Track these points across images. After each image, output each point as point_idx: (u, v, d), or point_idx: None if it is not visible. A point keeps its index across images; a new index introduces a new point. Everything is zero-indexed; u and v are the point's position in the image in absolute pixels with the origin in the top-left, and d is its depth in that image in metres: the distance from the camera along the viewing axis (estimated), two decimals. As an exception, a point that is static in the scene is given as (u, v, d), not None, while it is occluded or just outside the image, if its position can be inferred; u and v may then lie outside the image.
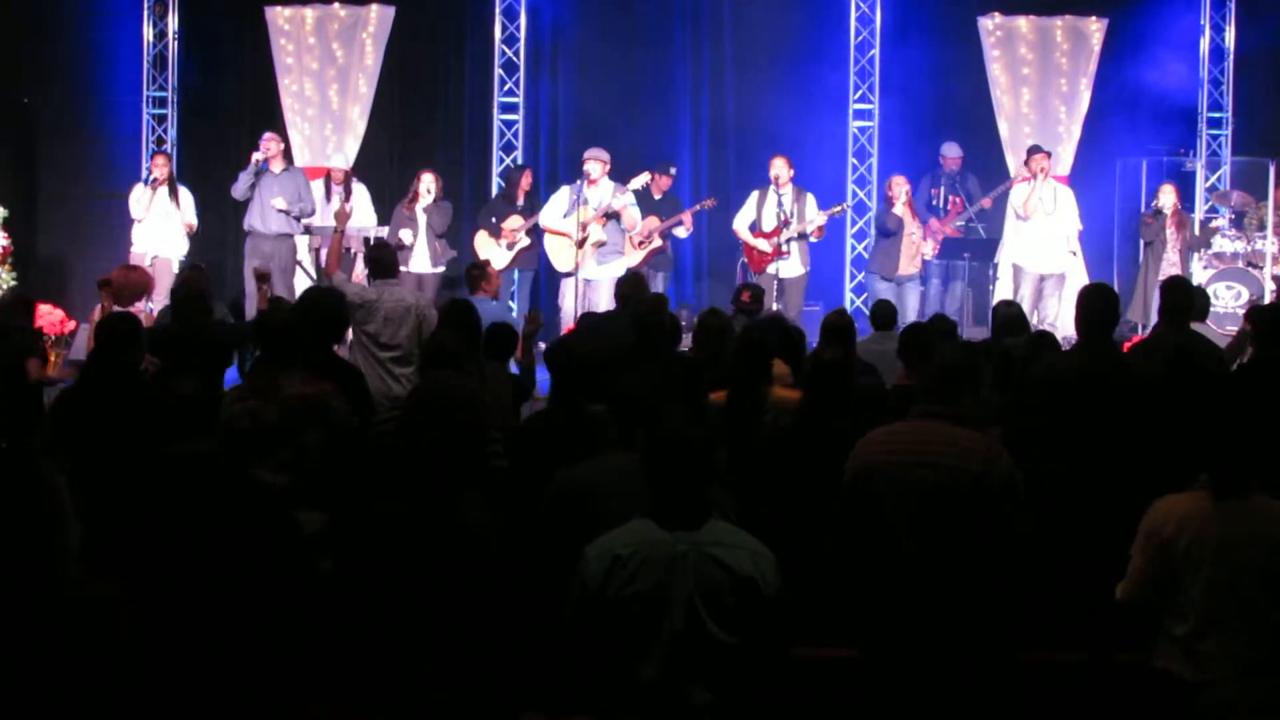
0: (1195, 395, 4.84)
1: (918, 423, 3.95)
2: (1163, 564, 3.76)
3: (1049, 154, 11.24)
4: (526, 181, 11.47)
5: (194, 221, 11.46)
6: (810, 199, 10.78)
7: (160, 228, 11.10)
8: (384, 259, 7.36)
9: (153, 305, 10.86)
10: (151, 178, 11.11)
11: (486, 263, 8.85)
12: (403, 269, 10.44)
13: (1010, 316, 7.34)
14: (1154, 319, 9.44)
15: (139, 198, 11.05)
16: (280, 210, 10.68)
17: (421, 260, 10.95)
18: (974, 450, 3.85)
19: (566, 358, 5.21)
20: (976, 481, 3.80)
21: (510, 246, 11.01)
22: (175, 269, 11.03)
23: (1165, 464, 4.56)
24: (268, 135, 11.07)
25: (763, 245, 10.71)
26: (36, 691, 2.76)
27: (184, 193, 11.42)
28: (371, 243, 11.14)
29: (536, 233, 11.12)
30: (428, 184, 10.91)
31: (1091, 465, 4.70)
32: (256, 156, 10.82)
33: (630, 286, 8.04)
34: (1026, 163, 11.18)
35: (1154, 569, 3.78)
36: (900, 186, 11.13)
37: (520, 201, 11.31)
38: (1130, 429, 4.97)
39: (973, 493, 3.80)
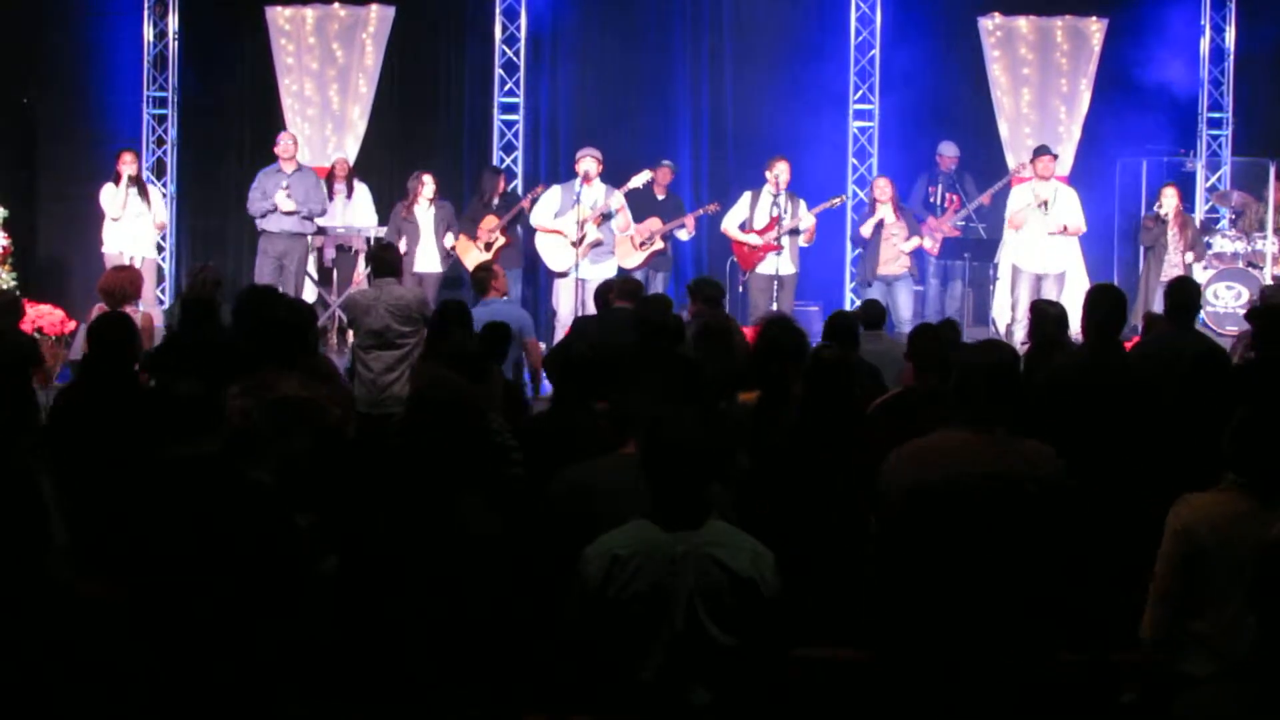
0: (1222, 397, 4.80)
1: (963, 434, 3.84)
2: (1191, 564, 3.69)
3: (1055, 156, 11.22)
4: (501, 185, 11.47)
5: (164, 220, 11.47)
6: (802, 204, 10.80)
7: (132, 226, 11.07)
8: (385, 258, 7.36)
9: (156, 305, 10.90)
10: (120, 175, 11.00)
11: (492, 263, 8.81)
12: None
13: (1059, 316, 7.19)
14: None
15: (112, 197, 11.00)
16: (287, 212, 10.68)
17: (427, 260, 10.97)
18: (1029, 456, 3.81)
19: (567, 357, 5.21)
20: (1049, 490, 3.76)
21: (488, 247, 10.98)
22: (140, 266, 11.03)
23: (1172, 465, 4.55)
24: (285, 133, 11.09)
25: (753, 240, 10.71)
26: (27, 692, 2.76)
27: (153, 190, 11.43)
28: (372, 243, 11.19)
29: (514, 230, 11.12)
30: (430, 187, 10.93)
31: (1096, 467, 4.69)
32: (276, 202, 10.69)
33: (623, 287, 7.99)
34: (1032, 162, 11.18)
35: (1181, 570, 3.71)
36: (883, 189, 11.12)
37: (496, 202, 11.32)
38: (1135, 430, 4.96)
39: (1046, 501, 3.75)
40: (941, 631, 3.74)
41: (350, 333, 7.50)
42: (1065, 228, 10.93)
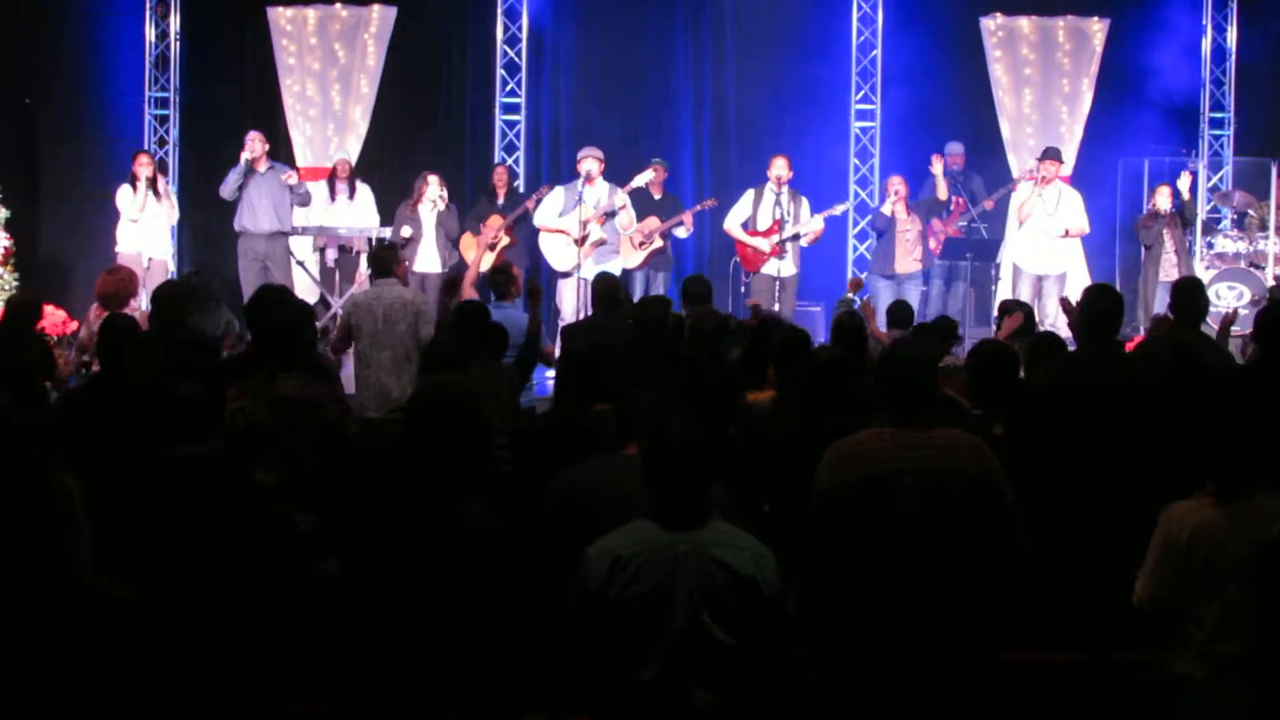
0: (1197, 396, 4.81)
1: (887, 430, 3.84)
2: (1180, 571, 3.72)
3: (1061, 161, 11.21)
4: (503, 178, 11.45)
5: (176, 215, 11.54)
6: (805, 203, 10.77)
7: (151, 227, 11.09)
8: (383, 258, 7.38)
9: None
10: (136, 177, 11.01)
11: (510, 265, 8.79)
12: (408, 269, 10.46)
13: (1028, 314, 7.21)
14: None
15: (130, 199, 11.00)
16: (290, 185, 10.69)
17: (428, 261, 10.98)
18: (960, 449, 3.80)
19: (570, 359, 5.22)
20: (971, 481, 3.76)
21: (492, 247, 11.00)
22: (171, 267, 11.06)
23: (1168, 466, 4.55)
24: (252, 134, 11.06)
25: (760, 244, 10.68)
26: (53, 692, 2.77)
27: (169, 189, 11.45)
28: (374, 243, 11.21)
29: (520, 230, 11.13)
30: (435, 188, 10.93)
31: (1094, 467, 4.69)
32: (245, 156, 10.82)
33: (609, 287, 7.92)
34: (1039, 162, 11.17)
35: (1172, 574, 3.73)
36: (894, 185, 11.12)
37: (500, 200, 11.31)
38: (1134, 431, 4.96)
39: (969, 492, 3.75)
40: (873, 628, 3.75)
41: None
42: (1067, 231, 10.94)
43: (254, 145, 10.88)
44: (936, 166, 11.61)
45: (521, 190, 11.99)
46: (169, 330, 6.30)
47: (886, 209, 11.09)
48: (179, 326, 6.41)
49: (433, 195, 10.95)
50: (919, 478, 3.74)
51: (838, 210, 11.01)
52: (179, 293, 6.86)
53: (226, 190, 10.88)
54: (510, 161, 12.55)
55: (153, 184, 11.08)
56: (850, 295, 8.16)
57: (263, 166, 10.88)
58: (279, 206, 10.84)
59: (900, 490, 3.74)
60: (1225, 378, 5.50)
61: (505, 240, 11.06)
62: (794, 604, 3.86)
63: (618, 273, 10.59)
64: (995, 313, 7.87)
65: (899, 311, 8.07)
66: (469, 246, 11.10)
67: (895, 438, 3.81)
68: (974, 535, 3.76)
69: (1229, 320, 7.35)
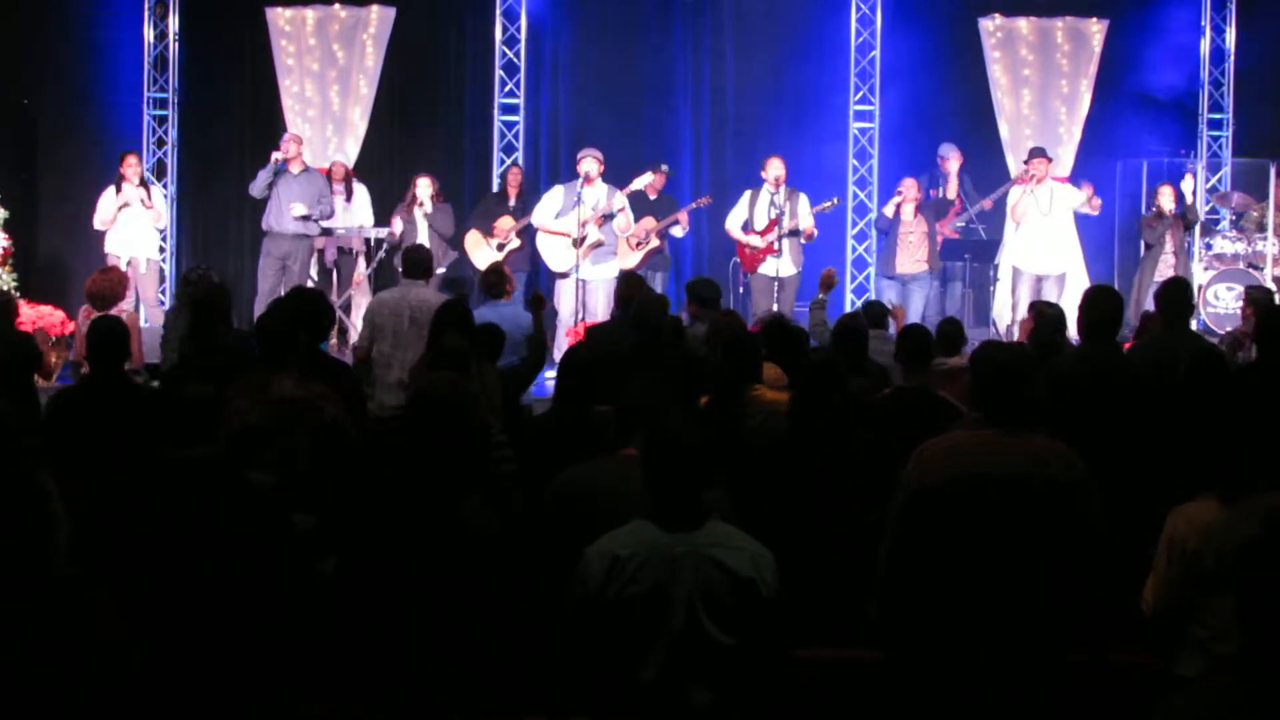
0: (1220, 398, 4.80)
1: (976, 434, 3.81)
2: (1188, 574, 3.71)
3: (1050, 159, 11.22)
4: (516, 179, 11.45)
5: (165, 217, 11.53)
6: (803, 199, 10.75)
7: (135, 228, 11.06)
8: (420, 260, 7.37)
9: (158, 306, 10.90)
10: (124, 178, 10.97)
11: (501, 265, 8.78)
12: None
13: (1058, 317, 7.18)
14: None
15: (111, 201, 10.97)
16: (300, 217, 10.67)
17: (427, 261, 10.97)
18: (1052, 456, 3.77)
19: (570, 359, 5.23)
20: (1060, 488, 3.72)
21: (501, 248, 11.00)
22: (144, 269, 11.04)
23: (1171, 466, 4.55)
24: (289, 135, 11.08)
25: (755, 241, 10.69)
26: (28, 693, 2.77)
27: (155, 190, 11.43)
28: (372, 243, 11.21)
29: (527, 233, 11.13)
30: (425, 188, 10.93)
31: (1095, 467, 4.69)
32: (276, 155, 10.80)
33: (631, 287, 7.96)
34: (1026, 163, 11.19)
35: (1180, 577, 3.72)
36: (906, 188, 11.12)
37: (512, 201, 11.30)
38: (1134, 431, 4.97)
39: (1056, 499, 3.71)
40: (954, 631, 3.73)
41: (351, 333, 7.51)
42: (1074, 211, 10.97)
43: (289, 146, 10.87)
44: (953, 164, 11.62)
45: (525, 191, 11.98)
46: (208, 334, 6.26)
47: (889, 209, 11.08)
48: (222, 327, 6.38)
49: (423, 196, 10.95)
50: (1009, 483, 3.71)
51: (826, 207, 10.97)
52: (218, 297, 6.83)
53: (256, 189, 10.87)
54: (509, 162, 12.54)
55: (142, 184, 11.05)
56: (822, 296, 8.08)
57: (296, 168, 10.86)
58: (308, 208, 10.81)
59: (992, 495, 3.71)
60: (1234, 378, 5.48)
61: (516, 243, 11.07)
62: (875, 606, 3.85)
63: (615, 274, 10.58)
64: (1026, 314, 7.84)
65: (875, 311, 7.97)
66: (477, 244, 11.10)
67: (988, 441, 3.78)
68: (1059, 541, 3.72)
69: (1239, 343, 7.34)
